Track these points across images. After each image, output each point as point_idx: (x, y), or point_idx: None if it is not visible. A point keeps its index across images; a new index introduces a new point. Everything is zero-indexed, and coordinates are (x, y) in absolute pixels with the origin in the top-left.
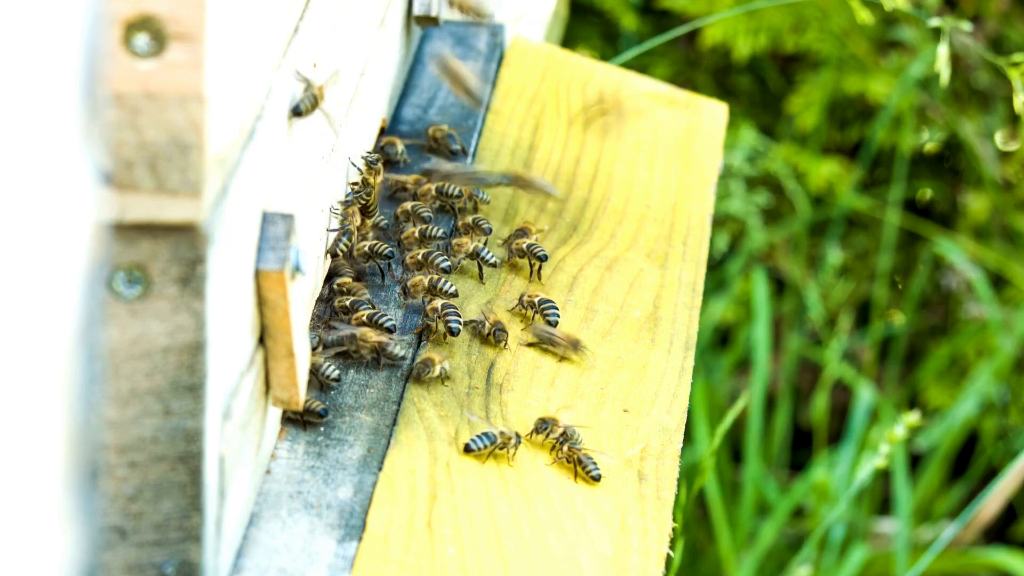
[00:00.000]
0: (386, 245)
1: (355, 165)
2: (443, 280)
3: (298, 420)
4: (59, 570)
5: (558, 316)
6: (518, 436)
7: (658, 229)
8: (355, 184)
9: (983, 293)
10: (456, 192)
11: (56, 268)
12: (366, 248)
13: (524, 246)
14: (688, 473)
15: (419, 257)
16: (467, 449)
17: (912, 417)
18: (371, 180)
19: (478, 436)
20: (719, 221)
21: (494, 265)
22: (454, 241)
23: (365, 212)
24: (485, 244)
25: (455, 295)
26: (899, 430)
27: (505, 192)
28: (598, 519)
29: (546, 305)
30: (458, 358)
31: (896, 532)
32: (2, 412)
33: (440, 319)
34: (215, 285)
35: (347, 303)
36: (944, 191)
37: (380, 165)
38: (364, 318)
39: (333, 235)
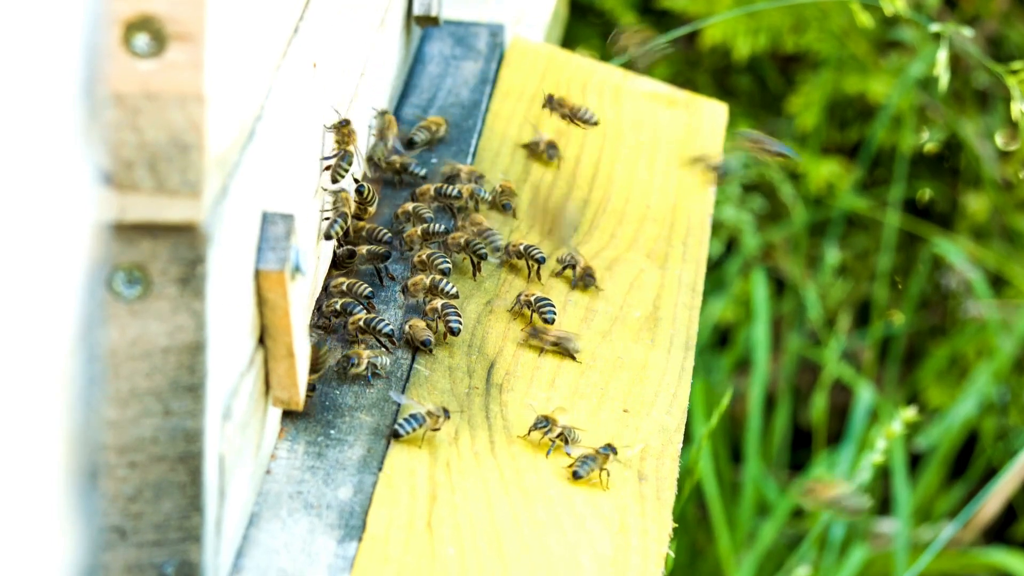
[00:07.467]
0: (385, 230)
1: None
2: (444, 281)
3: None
4: (59, 570)
5: (554, 313)
6: (446, 411)
7: (658, 229)
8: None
9: (982, 293)
10: (455, 193)
11: (56, 268)
12: (364, 233)
13: (521, 247)
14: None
15: (424, 257)
16: (396, 436)
17: (910, 413)
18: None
19: (405, 420)
20: (712, 227)
21: (484, 257)
22: (448, 237)
23: (365, 201)
24: (478, 235)
25: (456, 296)
26: (897, 426)
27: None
28: (598, 519)
29: (542, 303)
30: (458, 358)
31: (896, 532)
32: (2, 412)
33: (440, 319)
34: (215, 285)
35: (338, 306)
36: (944, 191)
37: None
38: (361, 323)
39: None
